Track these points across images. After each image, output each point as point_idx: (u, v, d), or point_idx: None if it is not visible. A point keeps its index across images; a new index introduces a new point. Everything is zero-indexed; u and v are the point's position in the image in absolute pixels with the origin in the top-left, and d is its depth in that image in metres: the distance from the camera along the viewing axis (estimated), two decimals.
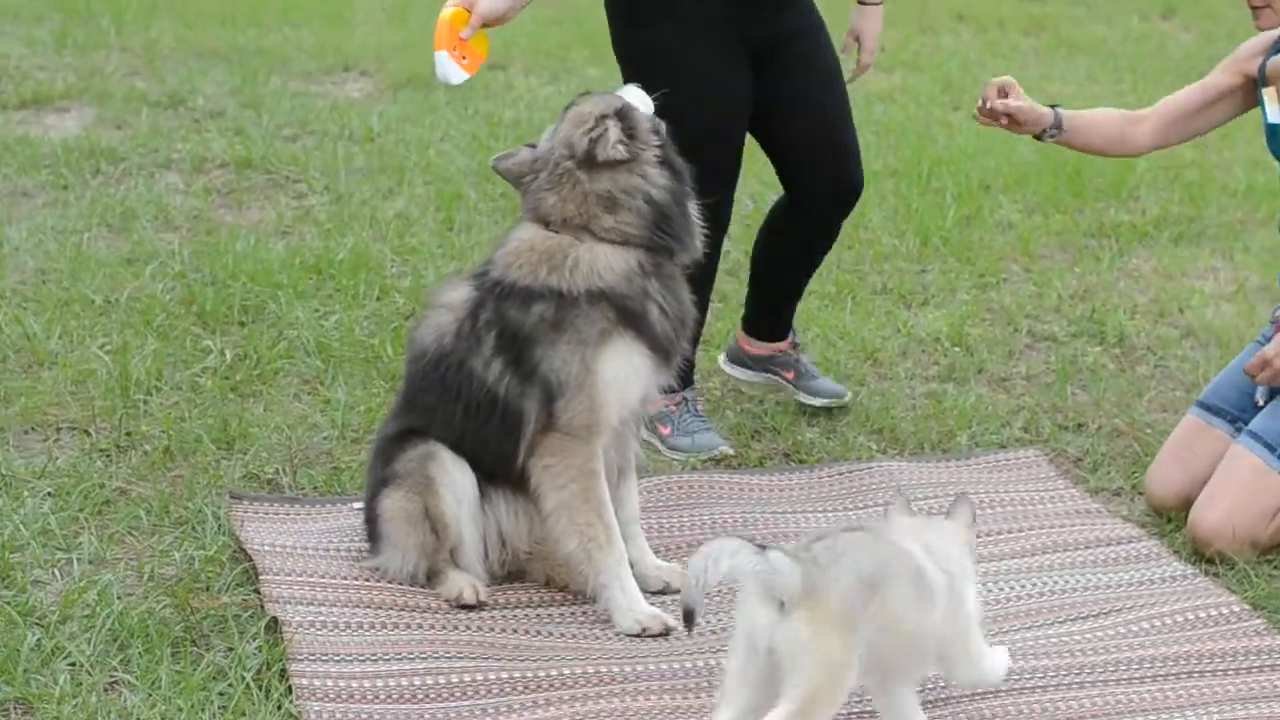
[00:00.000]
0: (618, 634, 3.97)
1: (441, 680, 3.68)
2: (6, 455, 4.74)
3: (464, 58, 4.52)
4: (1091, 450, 5.11)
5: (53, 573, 4.13)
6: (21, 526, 4.29)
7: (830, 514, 4.60)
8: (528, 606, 4.11)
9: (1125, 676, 3.78)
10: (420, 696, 3.63)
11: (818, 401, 5.30)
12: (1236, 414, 4.67)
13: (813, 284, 6.47)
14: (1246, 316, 6.21)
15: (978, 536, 3.65)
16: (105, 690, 3.61)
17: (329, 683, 3.64)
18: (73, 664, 3.68)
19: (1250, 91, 4.82)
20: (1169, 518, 4.63)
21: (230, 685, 3.60)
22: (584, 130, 4.04)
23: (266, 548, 4.22)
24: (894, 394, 5.46)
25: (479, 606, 4.05)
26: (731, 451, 5.03)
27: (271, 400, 5.22)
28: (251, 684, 3.61)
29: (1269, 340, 4.72)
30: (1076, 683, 3.74)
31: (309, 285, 6.15)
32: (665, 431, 5.08)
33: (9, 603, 3.91)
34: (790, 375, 5.34)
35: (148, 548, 4.26)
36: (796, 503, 4.68)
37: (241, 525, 4.34)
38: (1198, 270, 6.89)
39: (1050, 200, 7.66)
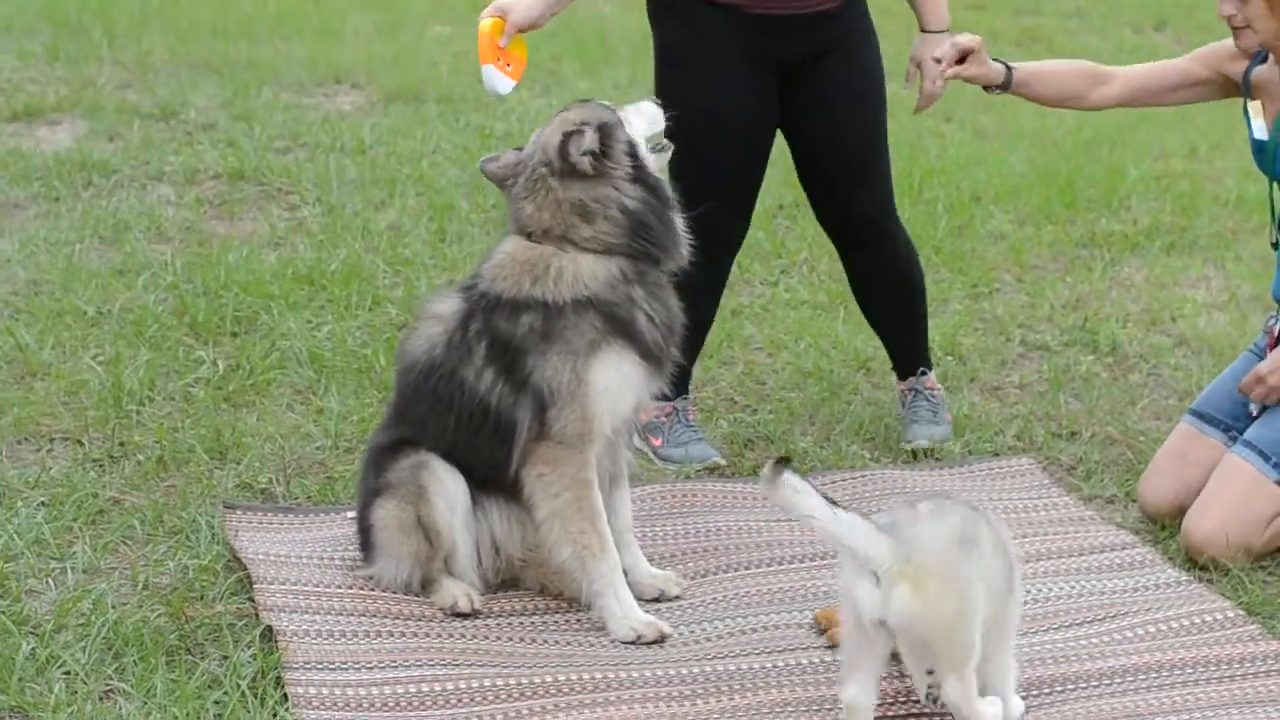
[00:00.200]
0: (613, 641, 3.97)
1: (437, 688, 3.68)
2: (0, 466, 4.74)
3: (508, 65, 4.56)
4: (1085, 458, 5.12)
5: (47, 582, 4.13)
6: (15, 536, 4.28)
7: None
8: (522, 614, 4.11)
9: (1120, 684, 3.78)
10: (415, 704, 3.63)
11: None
12: (1230, 423, 4.68)
13: (805, 293, 6.53)
14: (1239, 325, 6.23)
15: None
16: (100, 699, 3.61)
17: (324, 691, 3.64)
18: (68, 672, 3.68)
19: (1225, 88, 4.83)
20: (1163, 524, 4.64)
21: (225, 694, 3.60)
22: (562, 133, 4.05)
23: (261, 557, 4.22)
24: (887, 403, 5.46)
25: (474, 614, 4.05)
26: (724, 462, 5.03)
27: (264, 410, 5.22)
28: (247, 692, 3.60)
29: (1261, 349, 4.73)
30: (1071, 693, 3.73)
31: (301, 296, 6.15)
32: (657, 443, 5.07)
33: (3, 612, 3.91)
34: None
35: (142, 557, 4.26)
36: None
37: (235, 534, 4.34)
38: (1190, 279, 6.90)
39: (1042, 211, 7.67)
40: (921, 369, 5.27)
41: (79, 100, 9.03)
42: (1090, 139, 9.13)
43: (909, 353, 5.29)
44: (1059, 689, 3.75)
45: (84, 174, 7.66)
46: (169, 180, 7.72)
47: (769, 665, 3.82)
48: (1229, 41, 4.74)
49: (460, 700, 3.65)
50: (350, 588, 4.13)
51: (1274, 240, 4.77)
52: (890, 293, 5.23)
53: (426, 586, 4.10)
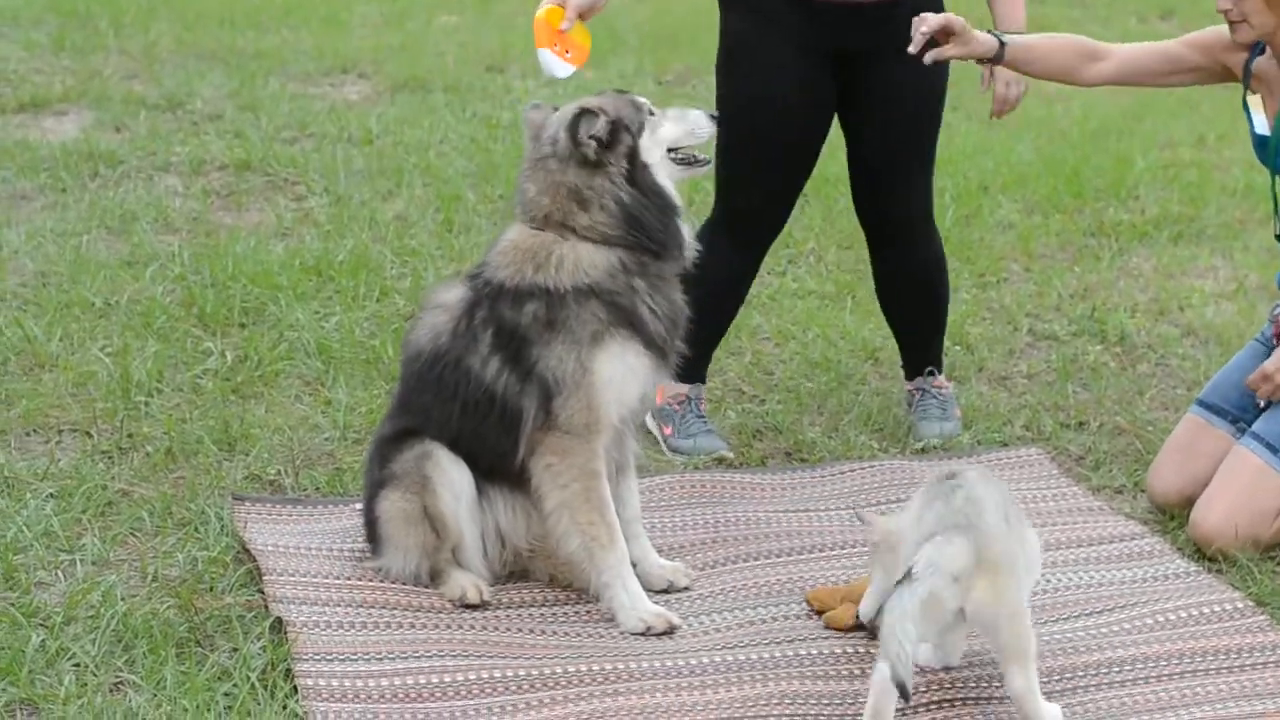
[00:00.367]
0: (622, 632, 3.97)
1: (446, 679, 3.68)
2: (9, 457, 4.75)
3: (567, 51, 4.59)
4: (1093, 448, 5.12)
5: (56, 574, 4.13)
6: (25, 528, 4.29)
7: (832, 512, 4.60)
8: (531, 605, 4.11)
9: (1128, 673, 3.78)
10: (425, 695, 3.63)
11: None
12: (1237, 413, 4.67)
13: (813, 283, 6.52)
14: (1246, 315, 6.22)
15: None
16: (110, 691, 3.61)
17: (334, 682, 3.64)
18: (77, 665, 3.69)
19: (1219, 75, 4.80)
20: (1171, 515, 4.64)
21: (235, 685, 3.61)
22: (579, 109, 4.05)
23: (270, 548, 4.22)
24: (895, 393, 5.46)
25: (483, 606, 4.05)
26: (732, 454, 5.03)
27: (273, 401, 5.22)
28: (256, 684, 3.61)
29: (1267, 339, 4.72)
30: (1080, 683, 3.74)
31: (309, 287, 6.15)
32: (668, 431, 5.08)
33: (13, 604, 3.91)
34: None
35: (151, 549, 4.26)
36: (799, 502, 4.68)
37: (245, 526, 4.35)
38: (1197, 269, 6.90)
39: (1049, 200, 7.66)
40: (930, 369, 5.27)
41: (85, 91, 9.03)
42: (1097, 128, 9.12)
43: (921, 354, 5.30)
44: (1068, 679, 3.74)
45: (91, 165, 7.66)
46: (176, 171, 7.72)
47: (778, 656, 3.82)
48: (1221, 29, 4.73)
49: (470, 691, 3.65)
50: (360, 579, 4.13)
51: (1277, 233, 4.76)
52: (915, 294, 5.24)
53: (435, 578, 4.10)
